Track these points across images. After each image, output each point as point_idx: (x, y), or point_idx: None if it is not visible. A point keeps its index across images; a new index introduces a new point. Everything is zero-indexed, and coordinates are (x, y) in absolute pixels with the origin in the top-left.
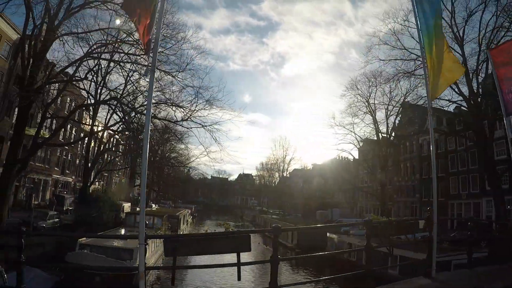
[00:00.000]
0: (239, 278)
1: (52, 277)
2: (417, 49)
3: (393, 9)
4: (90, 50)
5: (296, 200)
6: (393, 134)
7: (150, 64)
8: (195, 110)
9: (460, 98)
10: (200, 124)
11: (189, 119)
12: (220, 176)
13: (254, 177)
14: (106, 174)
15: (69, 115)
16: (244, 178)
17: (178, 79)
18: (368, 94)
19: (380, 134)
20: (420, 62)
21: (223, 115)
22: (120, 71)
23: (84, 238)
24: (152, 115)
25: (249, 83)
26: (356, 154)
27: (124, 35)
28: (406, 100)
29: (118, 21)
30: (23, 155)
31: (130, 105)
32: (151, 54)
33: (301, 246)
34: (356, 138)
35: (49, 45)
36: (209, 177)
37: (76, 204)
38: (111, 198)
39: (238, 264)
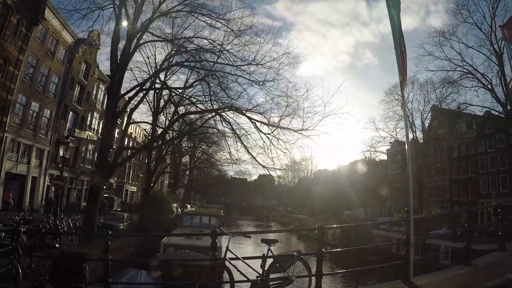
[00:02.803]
0: None
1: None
2: (456, 59)
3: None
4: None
5: (321, 200)
6: (422, 136)
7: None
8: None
9: (492, 103)
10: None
11: (308, 129)
12: (240, 176)
13: (274, 178)
14: (141, 175)
15: (170, 124)
16: (264, 178)
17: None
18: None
19: (415, 134)
20: (464, 72)
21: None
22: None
23: (166, 238)
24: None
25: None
26: (386, 156)
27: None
28: (440, 105)
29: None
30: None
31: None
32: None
33: (344, 243)
34: (397, 139)
35: (133, 52)
36: (229, 178)
37: (141, 206)
38: (169, 199)
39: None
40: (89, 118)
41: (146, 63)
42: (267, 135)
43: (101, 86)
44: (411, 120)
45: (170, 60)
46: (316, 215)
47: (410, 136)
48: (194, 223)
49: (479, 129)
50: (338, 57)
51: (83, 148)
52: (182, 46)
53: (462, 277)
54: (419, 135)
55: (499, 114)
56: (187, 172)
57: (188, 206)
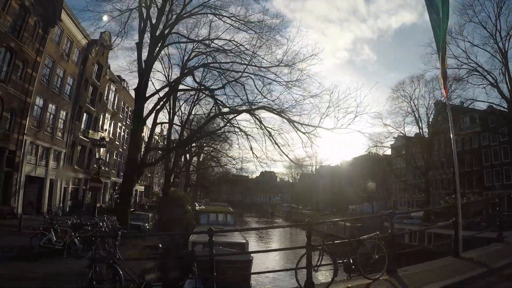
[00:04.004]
0: None
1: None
2: (462, 57)
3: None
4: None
5: (324, 196)
6: (426, 131)
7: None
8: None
9: (497, 99)
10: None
11: (341, 127)
12: (243, 174)
13: (276, 174)
14: (149, 175)
15: (203, 124)
16: (266, 175)
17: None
18: (412, 95)
19: (421, 130)
20: (470, 69)
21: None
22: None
23: (192, 236)
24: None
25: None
26: (391, 150)
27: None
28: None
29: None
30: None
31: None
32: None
33: (355, 236)
34: (405, 135)
35: (158, 53)
36: (231, 175)
37: (160, 204)
38: (187, 198)
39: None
40: (101, 119)
41: (161, 64)
42: (305, 134)
43: (112, 87)
44: (417, 115)
45: (189, 60)
46: (321, 210)
47: (416, 131)
48: (211, 221)
49: (483, 123)
50: (337, 54)
51: (96, 149)
52: (209, 47)
53: (500, 251)
54: (425, 130)
55: (504, 110)
56: (192, 170)
57: (197, 204)
